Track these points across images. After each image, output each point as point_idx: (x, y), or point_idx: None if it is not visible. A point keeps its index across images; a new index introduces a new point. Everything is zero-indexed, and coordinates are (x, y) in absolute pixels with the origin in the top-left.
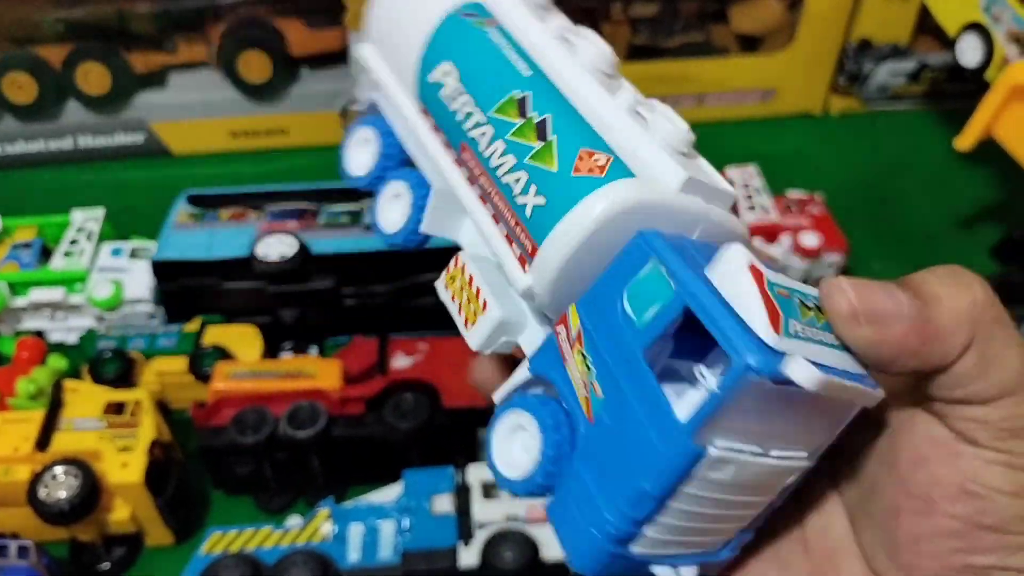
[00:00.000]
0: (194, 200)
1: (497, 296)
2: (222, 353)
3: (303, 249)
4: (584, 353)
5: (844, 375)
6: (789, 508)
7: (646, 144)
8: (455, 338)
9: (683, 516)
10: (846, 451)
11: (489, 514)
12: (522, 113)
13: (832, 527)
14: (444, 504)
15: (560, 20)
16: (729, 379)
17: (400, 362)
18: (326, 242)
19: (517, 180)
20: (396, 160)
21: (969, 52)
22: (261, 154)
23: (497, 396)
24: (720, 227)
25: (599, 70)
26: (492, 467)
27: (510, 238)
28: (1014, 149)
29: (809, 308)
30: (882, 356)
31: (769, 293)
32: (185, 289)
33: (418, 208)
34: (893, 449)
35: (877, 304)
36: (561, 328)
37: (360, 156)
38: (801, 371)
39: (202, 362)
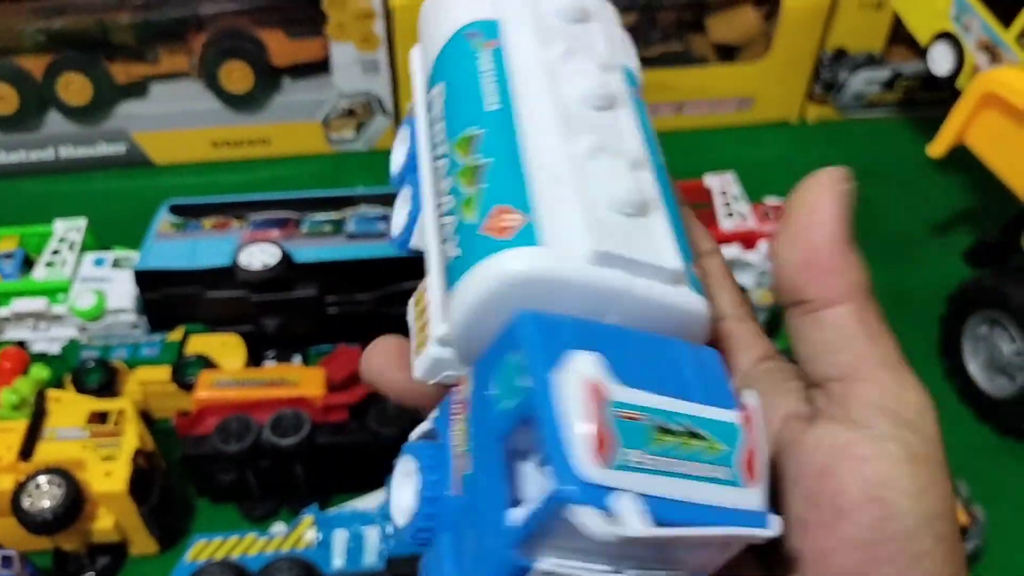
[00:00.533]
0: (176, 210)
1: None
2: (205, 362)
3: (286, 258)
4: (466, 422)
5: (698, 513)
6: None
7: (571, 205)
8: None
9: None
10: None
11: None
12: (470, 152)
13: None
14: None
15: (588, 31)
16: (546, 506)
17: None
18: (309, 251)
19: (448, 224)
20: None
21: (940, 61)
22: (243, 164)
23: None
24: (650, 306)
25: (587, 104)
26: (391, 515)
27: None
28: (985, 155)
29: (671, 432)
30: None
31: (606, 418)
32: (168, 298)
33: (413, 218)
34: (798, 465)
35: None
36: (456, 389)
37: (397, 154)
38: (588, 519)
39: (185, 371)
